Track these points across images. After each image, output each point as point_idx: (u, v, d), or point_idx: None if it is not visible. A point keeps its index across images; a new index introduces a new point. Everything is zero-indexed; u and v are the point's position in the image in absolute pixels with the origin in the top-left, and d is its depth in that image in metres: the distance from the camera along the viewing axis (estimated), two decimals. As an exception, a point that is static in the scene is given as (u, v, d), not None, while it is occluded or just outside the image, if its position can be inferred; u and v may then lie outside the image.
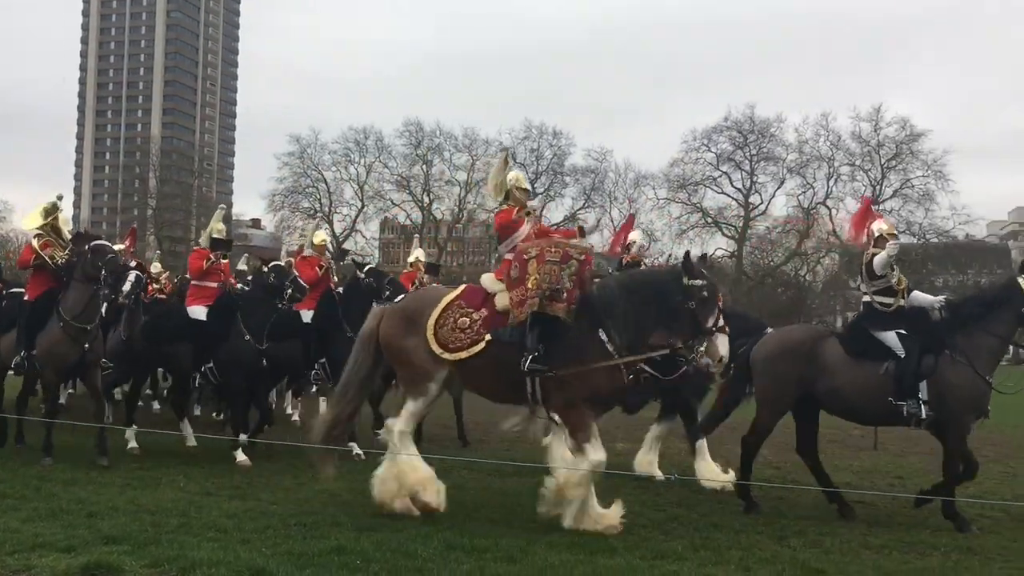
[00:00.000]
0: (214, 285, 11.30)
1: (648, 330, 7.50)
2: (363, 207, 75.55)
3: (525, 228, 8.22)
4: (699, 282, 7.31)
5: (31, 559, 5.75)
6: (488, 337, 7.42)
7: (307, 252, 12.93)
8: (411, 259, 14.75)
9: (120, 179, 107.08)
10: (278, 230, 76.71)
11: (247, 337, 10.51)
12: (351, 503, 7.98)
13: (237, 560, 5.74)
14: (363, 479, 9.19)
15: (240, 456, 10.09)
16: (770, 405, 8.61)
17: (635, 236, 11.32)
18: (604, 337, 7.26)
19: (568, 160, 77.45)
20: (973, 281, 79.42)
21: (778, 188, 74.84)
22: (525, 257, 7.47)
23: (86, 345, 9.78)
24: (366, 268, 11.85)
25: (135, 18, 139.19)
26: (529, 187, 8.96)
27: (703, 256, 7.68)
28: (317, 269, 12.39)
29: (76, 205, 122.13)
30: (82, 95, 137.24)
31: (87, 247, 9.96)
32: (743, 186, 75.26)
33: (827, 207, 73.80)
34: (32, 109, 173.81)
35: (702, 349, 7.28)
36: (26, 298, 10.30)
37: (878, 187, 71.95)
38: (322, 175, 75.99)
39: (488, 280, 7.97)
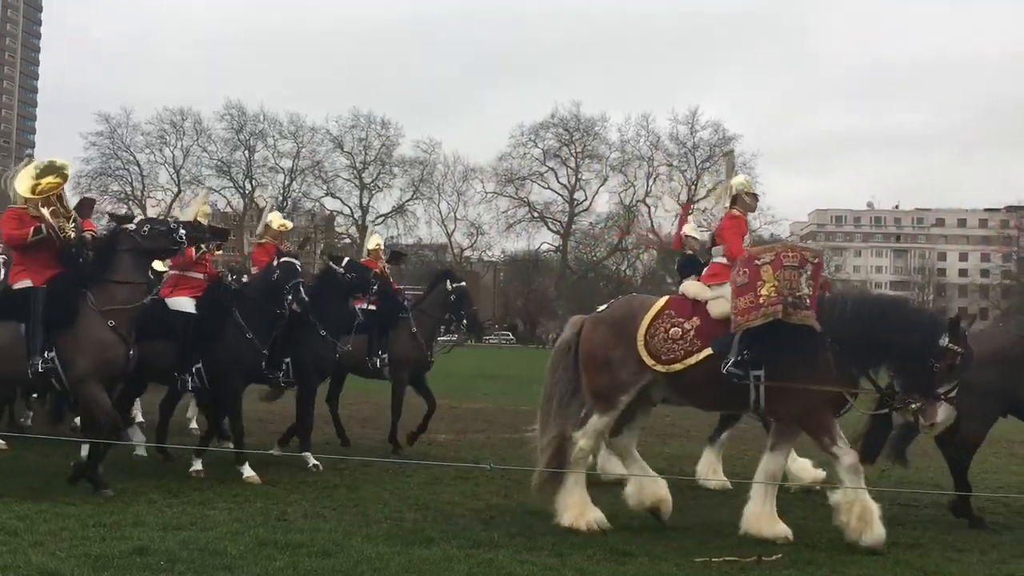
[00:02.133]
0: (200, 276, 9.95)
1: (875, 364, 7.17)
2: (179, 192, 72.43)
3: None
4: (958, 348, 6.83)
5: None
6: (708, 349, 7.16)
7: (263, 239, 11.49)
8: (370, 246, 13.13)
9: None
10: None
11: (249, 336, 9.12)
12: (156, 501, 7.60)
13: (28, 564, 5.39)
14: (171, 475, 8.82)
15: (247, 471, 8.87)
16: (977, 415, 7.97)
17: (689, 229, 10.79)
18: (833, 351, 6.97)
19: (396, 151, 77.16)
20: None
21: (601, 185, 77.65)
22: (757, 263, 7.13)
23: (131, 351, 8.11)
24: (345, 262, 10.72)
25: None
26: (757, 192, 8.52)
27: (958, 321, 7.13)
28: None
29: None
30: None
31: (145, 222, 8.40)
32: (568, 182, 77.52)
33: (647, 205, 77.14)
34: None
35: (914, 405, 6.97)
36: (27, 284, 8.09)
37: (693, 187, 75.70)
38: (134, 157, 72.45)
39: (696, 288, 7.71)
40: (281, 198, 74.29)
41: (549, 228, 78.18)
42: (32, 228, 8.04)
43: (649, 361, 7.30)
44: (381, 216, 75.91)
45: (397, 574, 5.59)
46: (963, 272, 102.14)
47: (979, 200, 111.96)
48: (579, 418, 7.60)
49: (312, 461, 9.64)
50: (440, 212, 77.72)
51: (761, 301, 6.98)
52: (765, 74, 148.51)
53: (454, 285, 11.72)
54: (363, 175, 76.55)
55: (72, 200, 9.04)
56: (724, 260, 7.90)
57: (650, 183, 76.75)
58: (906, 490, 8.88)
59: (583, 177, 77.61)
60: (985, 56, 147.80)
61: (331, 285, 10.22)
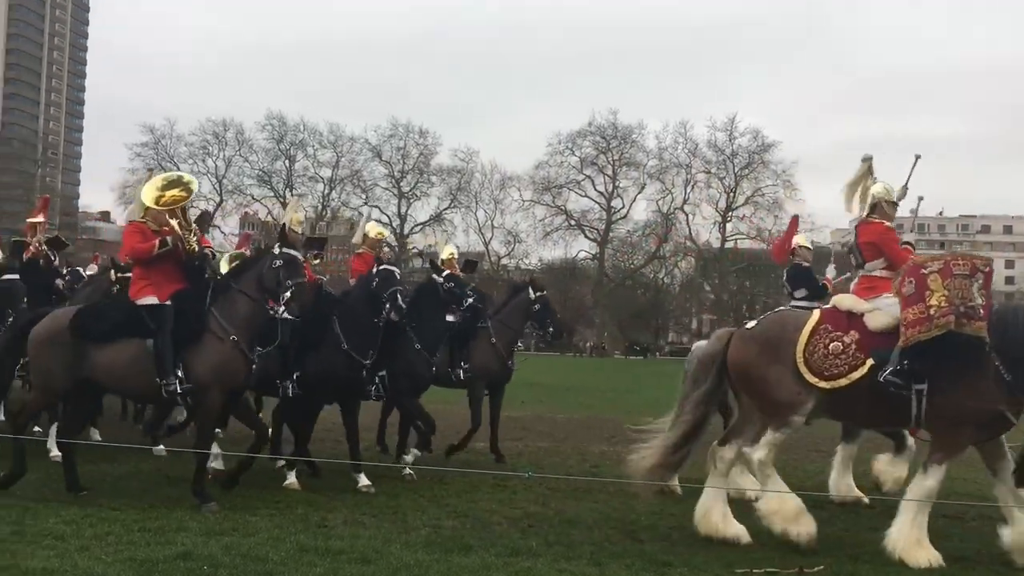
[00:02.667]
0: None
1: None
2: (222, 201, 73.40)
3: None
4: None
5: None
6: (870, 361, 6.94)
7: (360, 249, 11.34)
8: (444, 255, 12.01)
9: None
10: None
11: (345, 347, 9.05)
12: (199, 507, 7.70)
13: (75, 569, 5.50)
14: (214, 483, 8.94)
15: (363, 480, 8.90)
16: None
17: (800, 240, 10.41)
18: (1001, 368, 6.66)
19: (434, 160, 77.49)
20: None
21: (639, 193, 77.24)
22: (924, 272, 6.87)
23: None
24: (446, 274, 10.43)
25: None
26: (896, 199, 8.11)
27: None
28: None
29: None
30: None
31: (277, 254, 8.15)
32: (606, 190, 77.23)
33: (684, 212, 76.65)
34: None
35: None
36: (152, 300, 8.00)
37: (732, 194, 75.16)
38: (178, 167, 73.24)
39: (850, 300, 7.47)
40: (320, 207, 75.00)
41: (586, 236, 78.01)
42: (157, 241, 8.00)
43: (812, 379, 7.05)
44: (419, 224, 76.27)
45: (436, 581, 5.60)
46: (1010, 280, 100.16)
47: (1022, 206, 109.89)
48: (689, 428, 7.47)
49: (408, 470, 9.61)
50: (477, 220, 77.93)
51: (932, 312, 6.71)
52: (795, 82, 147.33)
53: (537, 294, 11.49)
54: (401, 184, 77.00)
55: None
56: (880, 273, 7.56)
57: (688, 190, 76.30)
58: (952, 502, 8.73)
59: (620, 185, 77.37)
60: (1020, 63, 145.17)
61: (429, 297, 9.91)
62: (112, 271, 11.28)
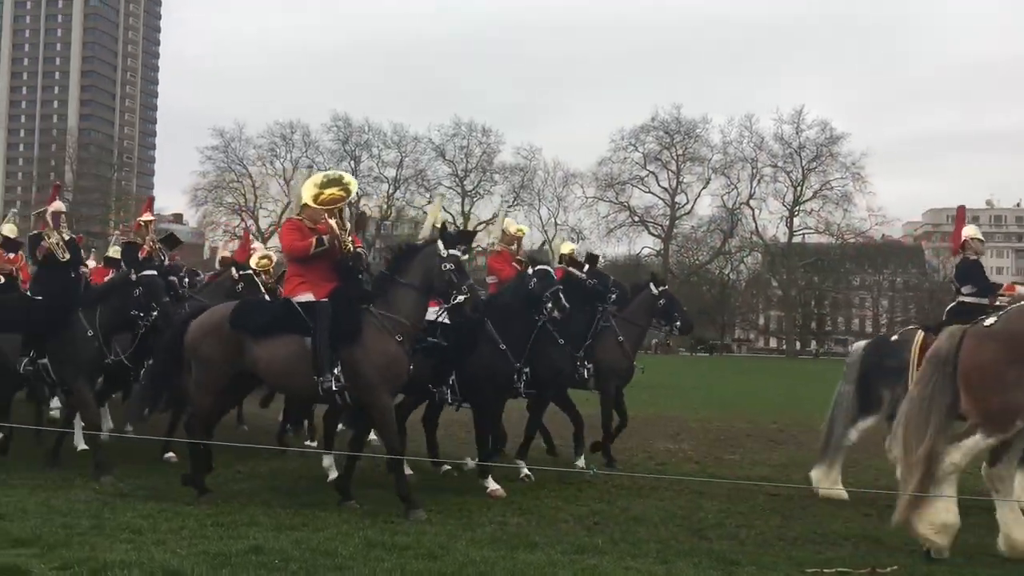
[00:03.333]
0: None
1: None
2: (290, 202, 74.49)
3: None
4: None
5: (-68, 564, 5.54)
6: None
7: (497, 246, 11.09)
8: (564, 251, 11.30)
9: (35, 172, 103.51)
10: (201, 225, 75.25)
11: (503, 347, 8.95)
12: (270, 502, 7.87)
13: (151, 561, 5.62)
14: (283, 479, 9.10)
15: (491, 485, 8.71)
16: None
17: (971, 231, 9.85)
18: None
19: (497, 158, 77.69)
20: (888, 281, 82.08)
21: (703, 188, 76.43)
22: None
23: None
24: (587, 268, 10.36)
25: (51, 4, 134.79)
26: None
27: None
28: (514, 265, 10.37)
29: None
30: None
31: (446, 256, 7.89)
32: (669, 186, 76.61)
33: (750, 207, 75.61)
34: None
35: None
36: (309, 297, 7.88)
37: (799, 188, 73.89)
38: (247, 169, 74.96)
39: None
40: (385, 207, 75.79)
41: (650, 232, 77.46)
42: (314, 240, 7.94)
43: None
44: (482, 223, 76.56)
45: (502, 578, 5.61)
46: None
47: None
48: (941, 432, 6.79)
49: (524, 471, 9.58)
50: (540, 218, 77.95)
51: None
52: (866, 72, 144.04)
53: (660, 289, 11.25)
54: (465, 182, 77.43)
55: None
56: None
57: (754, 185, 75.26)
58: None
59: (684, 180, 76.68)
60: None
61: (574, 293, 9.66)
62: (233, 269, 11.44)
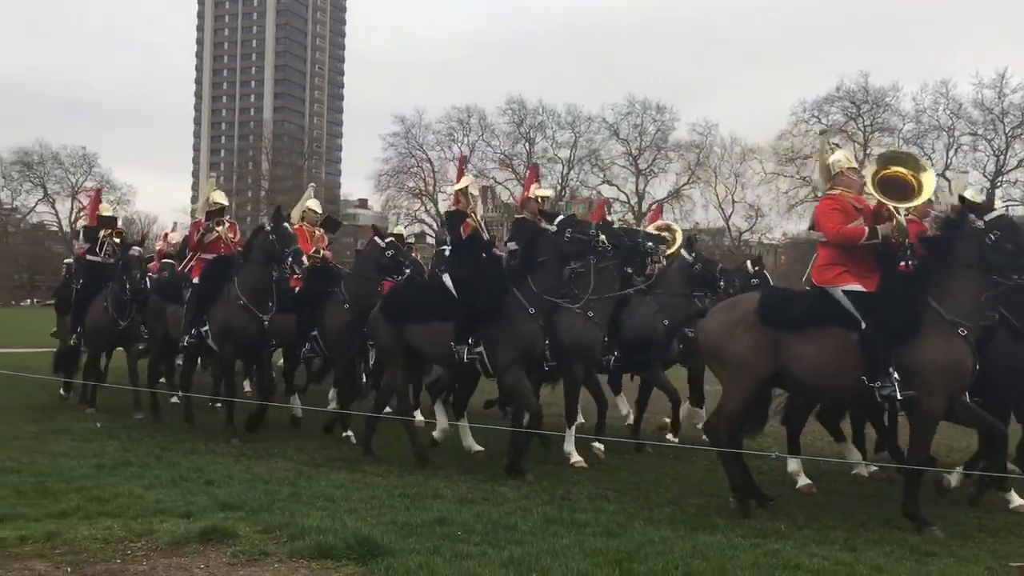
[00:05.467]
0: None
1: None
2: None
3: None
4: None
5: (153, 523, 6.08)
6: None
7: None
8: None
9: (235, 162, 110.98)
10: (384, 209, 78.12)
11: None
12: (452, 476, 8.13)
13: (344, 528, 5.92)
14: (462, 455, 9.37)
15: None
16: None
17: None
18: None
19: (672, 135, 76.33)
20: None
21: (893, 160, 72.11)
22: None
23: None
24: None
25: (247, 3, 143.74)
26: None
27: None
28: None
29: (194, 188, 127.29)
30: (199, 81, 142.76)
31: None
32: (856, 158, 72.80)
33: (946, 179, 70.79)
34: (152, 98, 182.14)
35: None
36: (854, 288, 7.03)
37: (1002, 157, 68.47)
38: (426, 155, 76.99)
39: None
40: (560, 187, 76.12)
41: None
42: (867, 229, 7.01)
43: None
44: (656, 201, 75.62)
45: (681, 559, 5.57)
46: None
47: None
48: None
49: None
50: (717, 195, 76.02)
51: None
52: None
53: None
54: (639, 161, 76.61)
55: None
56: None
57: (950, 155, 70.29)
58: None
59: (872, 152, 72.56)
60: None
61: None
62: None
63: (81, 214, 13.11)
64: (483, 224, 9.43)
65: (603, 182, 77.30)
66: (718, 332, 7.26)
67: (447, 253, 9.91)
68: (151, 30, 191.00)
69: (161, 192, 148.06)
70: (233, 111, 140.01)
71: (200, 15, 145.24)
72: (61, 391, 13.23)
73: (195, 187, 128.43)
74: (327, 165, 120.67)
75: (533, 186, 10.32)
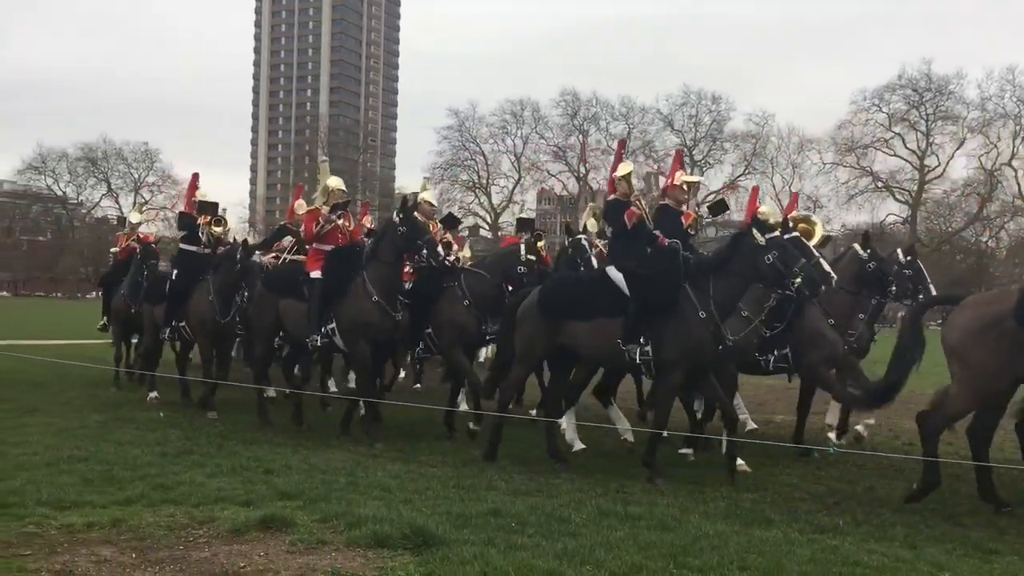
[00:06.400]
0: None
1: None
2: (520, 178, 76.23)
3: None
4: None
5: (214, 511, 6.23)
6: None
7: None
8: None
9: (292, 156, 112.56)
10: (438, 202, 78.60)
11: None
12: (506, 468, 8.17)
13: (400, 518, 6.00)
14: (516, 446, 9.39)
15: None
16: None
17: None
18: None
19: (728, 125, 75.43)
20: None
21: (957, 149, 70.36)
22: None
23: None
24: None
25: (303, 0, 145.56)
26: None
27: None
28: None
29: (252, 182, 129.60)
30: (256, 76, 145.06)
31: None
32: (918, 147, 71.22)
33: (1012, 168, 68.85)
34: (211, 94, 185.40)
35: None
36: None
37: (1072, 145, 66.39)
38: (480, 147, 77.15)
39: None
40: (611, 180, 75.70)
41: (895, 198, 72.36)
42: None
43: None
44: (712, 193, 74.84)
45: (737, 553, 5.53)
46: None
47: None
48: None
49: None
50: (774, 186, 74.86)
51: None
52: None
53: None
54: (694, 152, 75.85)
55: None
56: None
57: (1016, 143, 68.32)
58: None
59: (935, 141, 70.85)
60: None
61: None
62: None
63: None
64: (647, 213, 8.75)
65: (657, 173, 76.60)
66: (967, 331, 6.89)
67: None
68: (209, 27, 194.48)
69: (221, 187, 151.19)
70: (290, 106, 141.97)
71: (257, 11, 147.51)
72: (119, 383, 13.53)
73: (253, 181, 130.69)
74: (382, 159, 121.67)
75: (679, 172, 9.64)
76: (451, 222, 13.30)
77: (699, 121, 75.47)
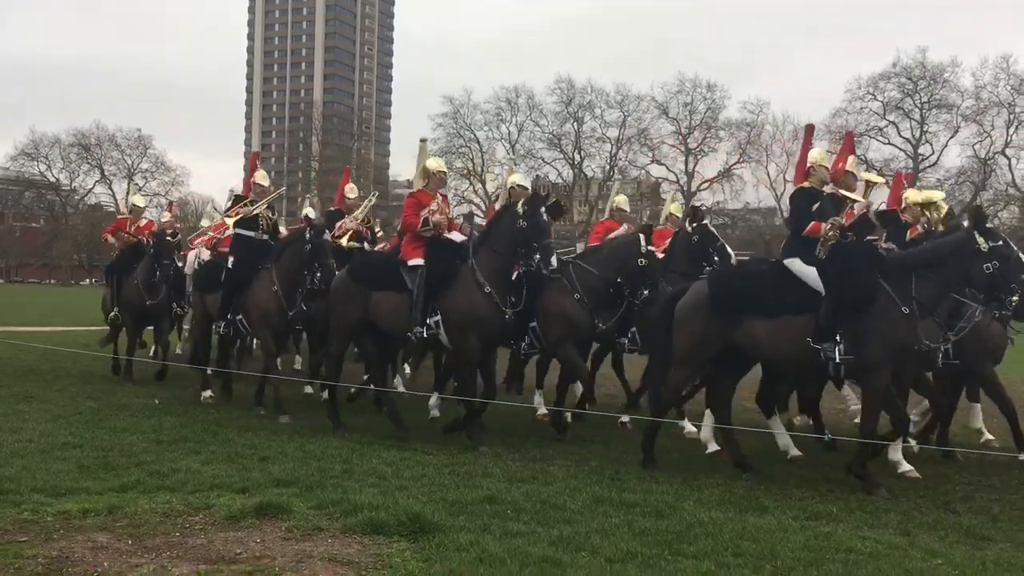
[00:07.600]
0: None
1: None
2: (515, 166, 76.16)
3: None
4: None
5: (210, 498, 6.23)
6: None
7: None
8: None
9: (286, 143, 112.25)
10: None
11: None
12: (501, 455, 8.19)
13: (395, 505, 6.01)
14: (513, 433, 9.41)
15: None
16: None
17: None
18: None
19: (723, 113, 75.37)
20: None
21: (951, 137, 70.45)
22: None
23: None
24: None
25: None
26: None
27: None
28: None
29: (245, 169, 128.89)
30: (250, 63, 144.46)
31: None
32: (912, 136, 71.30)
33: (1006, 156, 68.99)
34: (204, 81, 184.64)
35: None
36: None
37: (1065, 133, 66.47)
38: (475, 135, 77.12)
39: None
40: (608, 167, 75.67)
41: (889, 187, 72.52)
42: None
43: None
44: (707, 181, 74.82)
45: (731, 540, 5.56)
46: None
47: None
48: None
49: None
50: (768, 175, 74.97)
51: None
52: None
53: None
54: (688, 140, 75.82)
55: None
56: None
57: (1010, 132, 68.41)
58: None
59: (929, 129, 70.92)
60: None
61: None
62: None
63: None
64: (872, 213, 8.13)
65: (652, 161, 76.69)
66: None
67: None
68: (203, 13, 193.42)
69: (215, 173, 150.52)
70: (284, 92, 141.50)
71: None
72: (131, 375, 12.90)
73: (246, 168, 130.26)
74: (376, 145, 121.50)
75: (851, 158, 8.85)
76: (556, 211, 11.65)
77: (694, 109, 75.43)
